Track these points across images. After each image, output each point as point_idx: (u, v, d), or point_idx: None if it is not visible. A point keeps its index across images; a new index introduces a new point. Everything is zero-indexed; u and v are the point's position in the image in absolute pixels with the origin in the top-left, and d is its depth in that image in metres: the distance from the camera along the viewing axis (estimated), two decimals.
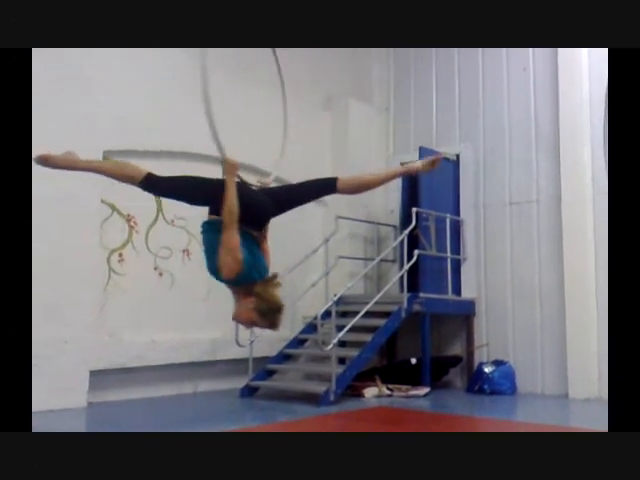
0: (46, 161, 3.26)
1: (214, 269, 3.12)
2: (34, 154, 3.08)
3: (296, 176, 7.23)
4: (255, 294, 3.08)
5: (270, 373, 6.76)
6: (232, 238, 3.01)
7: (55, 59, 5.43)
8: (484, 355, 7.46)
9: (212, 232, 3.16)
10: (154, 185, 3.27)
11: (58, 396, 5.29)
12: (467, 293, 7.74)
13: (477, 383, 7.02)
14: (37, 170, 5.25)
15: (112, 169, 3.35)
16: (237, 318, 3.21)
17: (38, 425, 4.56)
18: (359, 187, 3.54)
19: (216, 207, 3.13)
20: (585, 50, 7.03)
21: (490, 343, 7.50)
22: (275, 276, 3.22)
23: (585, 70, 7.02)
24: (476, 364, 7.34)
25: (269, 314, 3.12)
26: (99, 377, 5.67)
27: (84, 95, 5.73)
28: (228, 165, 3.16)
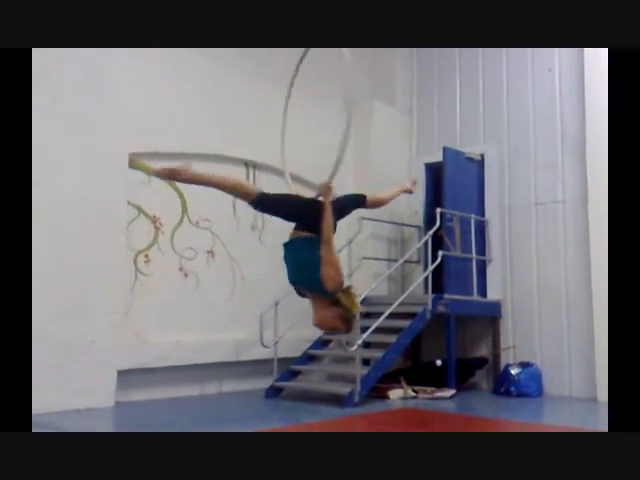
0: (172, 174, 3.42)
1: (305, 281, 3.42)
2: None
3: (313, 176, 7.34)
4: (339, 303, 3.37)
5: (294, 374, 6.76)
6: (334, 254, 3.38)
7: (81, 64, 5.53)
8: (510, 357, 7.38)
9: (306, 248, 3.41)
10: (264, 203, 3.54)
11: (85, 396, 5.36)
12: (493, 294, 7.66)
13: (503, 385, 6.94)
14: (66, 173, 5.36)
15: (231, 186, 3.52)
16: (321, 325, 3.51)
17: (65, 425, 4.65)
18: (378, 203, 4.18)
19: (307, 224, 3.44)
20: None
21: (516, 345, 7.41)
22: (350, 286, 3.52)
23: None
24: (502, 366, 7.27)
25: (350, 320, 3.45)
26: (125, 377, 5.72)
27: (113, 101, 5.80)
28: (326, 188, 3.47)
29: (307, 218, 3.46)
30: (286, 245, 3.56)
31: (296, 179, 7.34)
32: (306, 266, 3.39)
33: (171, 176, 3.48)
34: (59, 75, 5.42)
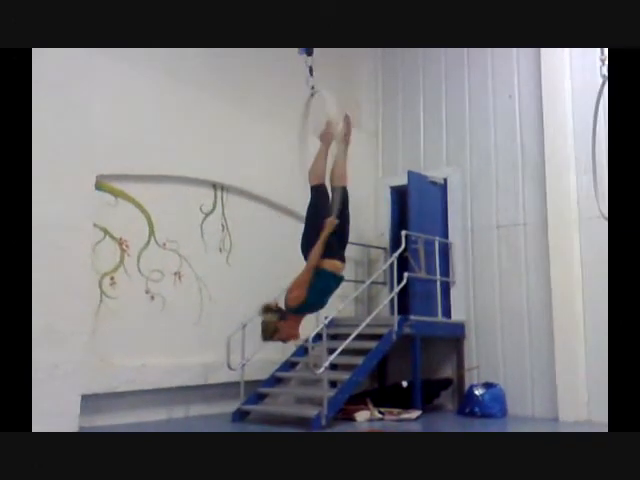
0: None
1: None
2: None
3: (281, 198, 7.39)
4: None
5: (262, 397, 6.73)
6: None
7: (52, 86, 5.50)
8: (475, 377, 7.49)
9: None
10: None
11: (49, 420, 5.23)
12: (457, 315, 7.80)
13: (468, 406, 7.04)
14: (32, 194, 5.28)
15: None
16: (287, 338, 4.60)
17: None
18: (342, 173, 4.96)
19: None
20: (568, 77, 7.24)
21: (480, 365, 7.54)
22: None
23: (568, 96, 7.21)
24: (467, 386, 7.38)
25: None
26: (90, 401, 5.61)
27: (80, 121, 5.77)
28: (329, 223, 4.51)
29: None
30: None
31: (264, 201, 7.43)
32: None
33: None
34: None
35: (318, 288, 4.48)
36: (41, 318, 5.26)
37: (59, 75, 5.58)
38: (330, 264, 4.54)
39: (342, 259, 4.69)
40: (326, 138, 4.87)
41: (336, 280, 4.68)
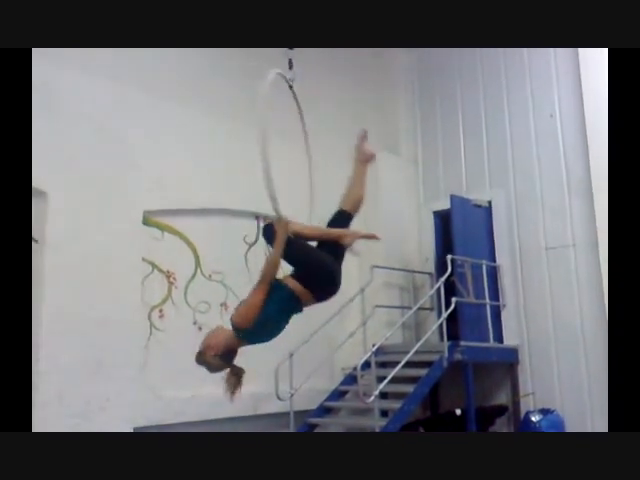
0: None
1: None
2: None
3: (322, 225, 7.40)
4: None
5: (312, 427, 6.65)
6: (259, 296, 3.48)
7: (94, 126, 5.73)
8: (530, 404, 7.25)
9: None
10: None
11: None
12: (509, 340, 7.59)
13: None
14: (82, 233, 5.46)
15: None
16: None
17: None
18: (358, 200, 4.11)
19: None
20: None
21: (536, 391, 7.30)
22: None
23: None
24: (523, 413, 7.13)
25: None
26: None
27: (126, 158, 5.96)
28: (281, 224, 3.43)
29: None
30: None
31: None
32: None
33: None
34: (74, 138, 5.59)
35: (274, 302, 3.40)
36: (93, 352, 5.38)
37: (97, 112, 5.80)
38: (293, 283, 3.46)
39: (316, 293, 3.52)
40: (365, 156, 4.07)
41: (295, 301, 3.50)
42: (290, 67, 3.84)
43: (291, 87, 3.87)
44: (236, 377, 3.57)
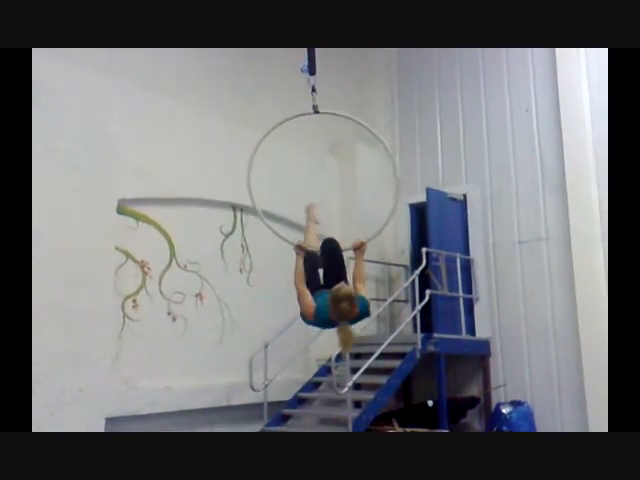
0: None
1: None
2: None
3: (301, 218, 7.38)
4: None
5: (285, 418, 6.67)
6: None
7: (75, 113, 5.64)
8: (501, 395, 7.36)
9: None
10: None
11: None
12: (481, 333, 7.69)
13: (495, 424, 6.91)
14: (53, 218, 5.37)
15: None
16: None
17: None
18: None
19: None
20: (586, 88, 7.19)
21: (507, 383, 7.41)
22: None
23: (587, 106, 7.16)
24: (494, 405, 7.24)
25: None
26: (114, 424, 5.61)
27: (102, 147, 5.87)
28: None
29: None
30: None
31: (283, 221, 7.45)
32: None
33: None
34: (55, 126, 5.49)
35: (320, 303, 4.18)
36: (65, 342, 5.31)
37: (82, 102, 5.71)
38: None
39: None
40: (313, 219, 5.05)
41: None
42: (313, 90, 4.09)
43: (317, 111, 4.26)
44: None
